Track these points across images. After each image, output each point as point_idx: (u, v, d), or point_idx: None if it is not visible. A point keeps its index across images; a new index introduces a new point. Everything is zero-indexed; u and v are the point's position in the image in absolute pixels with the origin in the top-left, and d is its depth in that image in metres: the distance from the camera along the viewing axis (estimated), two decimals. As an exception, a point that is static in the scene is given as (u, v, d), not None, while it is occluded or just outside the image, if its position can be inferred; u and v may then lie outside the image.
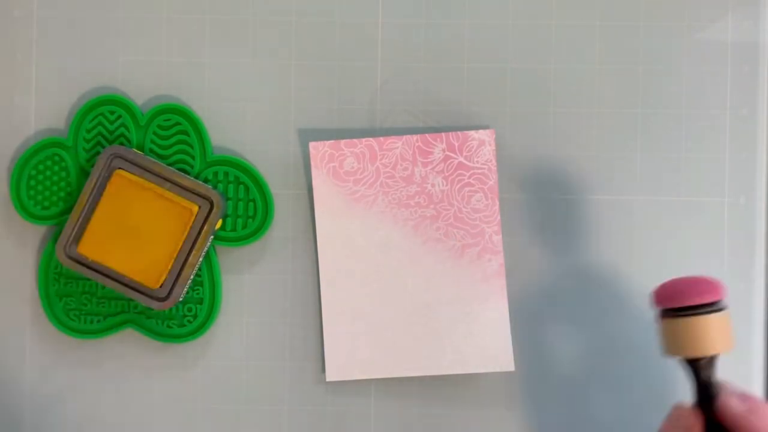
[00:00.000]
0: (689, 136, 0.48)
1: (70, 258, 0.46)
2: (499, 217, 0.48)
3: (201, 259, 0.47)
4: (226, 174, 0.48)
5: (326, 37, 0.49)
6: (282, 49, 0.49)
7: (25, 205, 0.48)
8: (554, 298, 0.48)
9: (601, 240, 0.48)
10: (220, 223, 0.47)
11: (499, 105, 0.48)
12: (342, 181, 0.48)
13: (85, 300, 0.48)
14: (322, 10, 0.49)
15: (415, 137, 0.47)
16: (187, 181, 0.46)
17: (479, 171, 0.48)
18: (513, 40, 0.48)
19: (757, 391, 0.48)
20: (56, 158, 0.48)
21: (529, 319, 0.48)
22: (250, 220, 0.48)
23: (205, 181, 0.48)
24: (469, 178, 0.48)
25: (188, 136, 0.48)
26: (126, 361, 0.49)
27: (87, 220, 0.46)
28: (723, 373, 0.47)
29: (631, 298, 0.48)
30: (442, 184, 0.47)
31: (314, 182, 0.48)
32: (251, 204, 0.48)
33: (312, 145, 0.48)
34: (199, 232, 0.46)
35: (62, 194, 0.48)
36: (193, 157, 0.48)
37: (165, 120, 0.48)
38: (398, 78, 0.48)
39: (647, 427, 0.47)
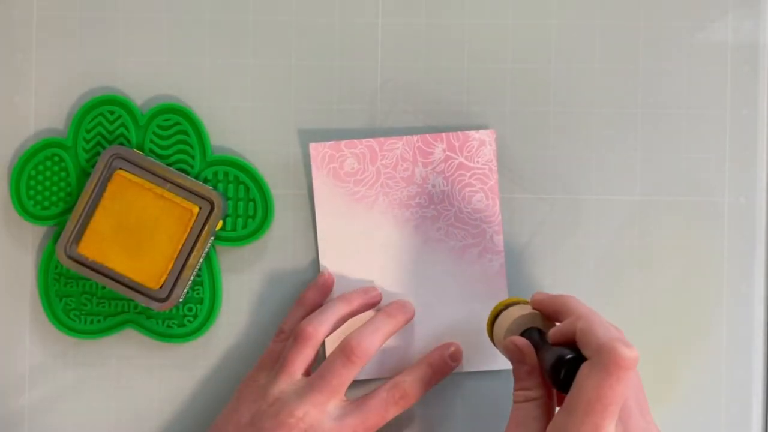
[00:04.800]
0: (689, 136, 0.48)
1: (71, 258, 0.46)
2: (500, 217, 0.48)
3: (201, 260, 0.47)
4: (226, 174, 0.48)
5: (326, 37, 0.49)
6: (282, 49, 0.49)
7: (25, 205, 0.48)
8: (554, 298, 0.48)
9: (602, 240, 0.48)
10: (220, 224, 0.47)
11: (499, 105, 0.48)
12: (342, 181, 0.48)
13: (85, 300, 0.48)
14: (322, 10, 0.49)
15: (415, 138, 0.47)
16: (188, 181, 0.46)
17: (480, 171, 0.48)
18: (513, 40, 0.48)
19: (758, 391, 0.48)
20: (56, 158, 0.48)
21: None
22: (250, 220, 0.48)
23: (205, 180, 0.48)
24: (470, 178, 0.47)
25: (188, 136, 0.48)
26: (126, 361, 0.49)
27: (87, 220, 0.46)
28: (723, 373, 0.48)
29: (630, 297, 0.48)
30: (443, 185, 0.47)
31: (315, 183, 0.48)
32: (251, 204, 0.48)
33: (312, 146, 0.48)
34: (200, 233, 0.46)
35: (62, 194, 0.48)
36: (193, 157, 0.48)
37: (165, 120, 0.48)
38: (398, 78, 0.48)
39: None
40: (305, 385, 0.43)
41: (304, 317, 0.46)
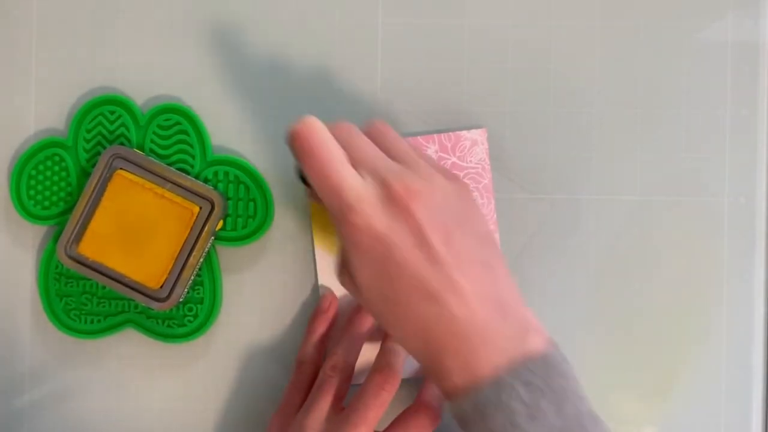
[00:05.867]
0: (689, 136, 0.48)
1: (71, 258, 0.46)
2: (495, 216, 0.48)
3: (201, 260, 0.47)
4: (226, 174, 0.48)
5: (326, 37, 0.49)
6: (282, 49, 0.49)
7: (25, 205, 0.48)
8: (554, 297, 0.48)
9: (601, 240, 0.48)
10: (221, 224, 0.47)
11: (499, 105, 0.48)
12: None
13: (86, 300, 0.48)
14: (322, 10, 0.49)
15: (406, 140, 0.47)
16: (189, 181, 0.46)
17: (473, 171, 0.48)
18: (513, 40, 0.48)
19: (757, 391, 0.48)
20: (56, 158, 0.48)
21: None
22: (250, 220, 0.48)
23: (205, 180, 0.48)
24: (464, 177, 0.47)
25: (188, 136, 0.48)
26: (126, 361, 0.49)
27: (88, 220, 0.46)
28: (723, 373, 0.48)
29: (630, 297, 0.48)
30: None
31: (309, 189, 0.48)
32: (251, 204, 0.48)
33: None
34: (200, 233, 0.46)
35: (62, 194, 0.48)
36: (193, 157, 0.48)
37: (165, 120, 0.48)
38: (398, 78, 0.48)
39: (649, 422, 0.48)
40: (339, 421, 0.42)
41: (318, 345, 0.46)
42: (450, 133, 0.47)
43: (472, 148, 0.47)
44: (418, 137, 0.47)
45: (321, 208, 0.48)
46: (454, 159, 0.47)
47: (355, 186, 0.37)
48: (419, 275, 0.36)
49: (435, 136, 0.47)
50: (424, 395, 0.44)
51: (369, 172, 0.38)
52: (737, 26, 0.48)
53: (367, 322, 0.46)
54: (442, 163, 0.47)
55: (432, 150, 0.47)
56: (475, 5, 0.48)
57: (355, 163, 0.39)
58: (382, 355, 0.44)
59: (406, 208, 0.37)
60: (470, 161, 0.47)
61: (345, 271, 0.40)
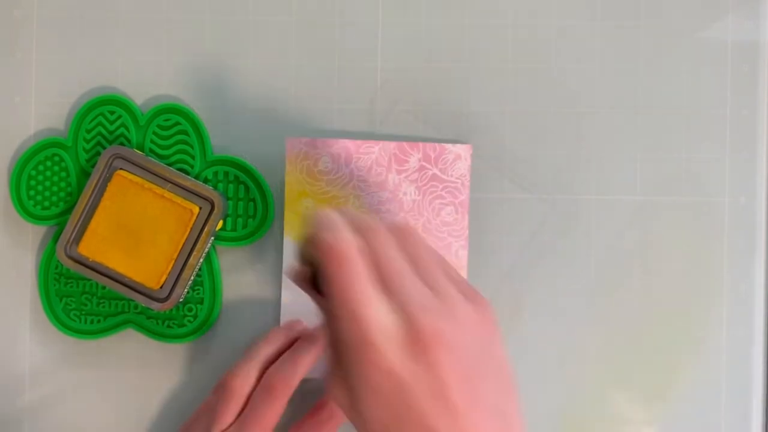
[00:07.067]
0: (689, 136, 0.48)
1: (71, 258, 0.46)
2: (467, 233, 0.47)
3: (201, 260, 0.47)
4: (226, 174, 0.48)
5: (326, 37, 0.49)
6: (282, 48, 0.49)
7: (25, 205, 0.48)
8: (554, 297, 0.48)
9: (602, 240, 0.48)
10: (221, 224, 0.47)
11: (499, 105, 0.48)
12: (315, 179, 0.47)
13: (86, 300, 0.48)
14: (322, 10, 0.49)
15: (392, 144, 0.47)
16: (188, 181, 0.46)
17: (452, 185, 0.47)
18: (513, 40, 0.48)
19: (758, 391, 0.48)
20: (56, 158, 0.48)
21: (528, 318, 0.48)
22: (250, 220, 0.48)
23: (205, 180, 0.48)
24: (442, 190, 0.47)
25: (188, 136, 0.48)
26: (126, 361, 0.49)
27: (87, 220, 0.46)
28: (724, 374, 0.48)
29: (630, 297, 0.48)
30: (415, 194, 0.47)
31: (287, 179, 0.47)
32: (251, 204, 0.48)
33: (288, 140, 0.47)
34: (200, 233, 0.46)
35: (62, 194, 0.48)
36: (193, 157, 0.48)
37: (165, 120, 0.48)
38: (398, 78, 0.48)
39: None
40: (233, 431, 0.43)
41: (256, 371, 0.45)
42: (435, 144, 0.47)
43: (455, 162, 0.47)
44: (404, 143, 0.47)
45: (295, 196, 0.48)
46: (435, 170, 0.47)
47: (379, 321, 0.35)
48: (431, 425, 0.35)
49: (420, 144, 0.47)
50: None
51: (396, 300, 0.35)
52: (737, 26, 0.48)
53: (274, 345, 0.46)
54: (422, 173, 0.47)
55: (415, 158, 0.47)
56: (475, 5, 0.48)
57: (383, 283, 0.36)
58: (276, 365, 0.44)
59: (429, 353, 0.35)
60: (451, 175, 0.47)
61: (341, 384, 0.37)
